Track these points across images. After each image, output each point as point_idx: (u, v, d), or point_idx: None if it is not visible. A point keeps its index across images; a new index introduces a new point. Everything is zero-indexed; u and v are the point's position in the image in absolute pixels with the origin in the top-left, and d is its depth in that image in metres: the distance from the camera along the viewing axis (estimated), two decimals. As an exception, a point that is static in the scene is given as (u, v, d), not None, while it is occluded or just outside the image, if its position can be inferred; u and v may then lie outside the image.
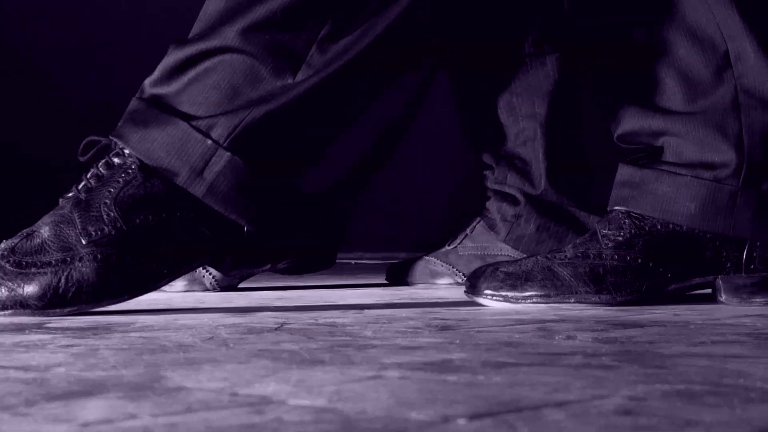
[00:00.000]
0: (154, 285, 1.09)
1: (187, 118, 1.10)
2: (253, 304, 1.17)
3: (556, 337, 0.82)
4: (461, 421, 0.47)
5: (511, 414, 0.49)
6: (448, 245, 1.76)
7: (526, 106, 1.65)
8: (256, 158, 1.10)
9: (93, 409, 0.51)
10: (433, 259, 1.75)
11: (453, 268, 1.72)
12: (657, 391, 0.55)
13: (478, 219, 1.73)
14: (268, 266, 1.13)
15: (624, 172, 1.24)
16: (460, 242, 1.74)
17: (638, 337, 0.82)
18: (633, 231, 1.20)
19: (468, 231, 1.74)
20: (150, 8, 2.80)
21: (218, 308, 1.11)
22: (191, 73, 1.12)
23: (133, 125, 1.11)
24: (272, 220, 1.12)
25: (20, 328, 0.92)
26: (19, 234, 1.07)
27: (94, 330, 0.90)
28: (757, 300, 1.17)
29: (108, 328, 0.91)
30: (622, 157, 1.26)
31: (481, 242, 1.71)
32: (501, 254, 1.67)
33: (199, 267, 1.13)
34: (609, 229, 1.20)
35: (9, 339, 0.83)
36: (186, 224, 1.09)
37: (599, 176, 1.64)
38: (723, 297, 1.18)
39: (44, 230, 1.07)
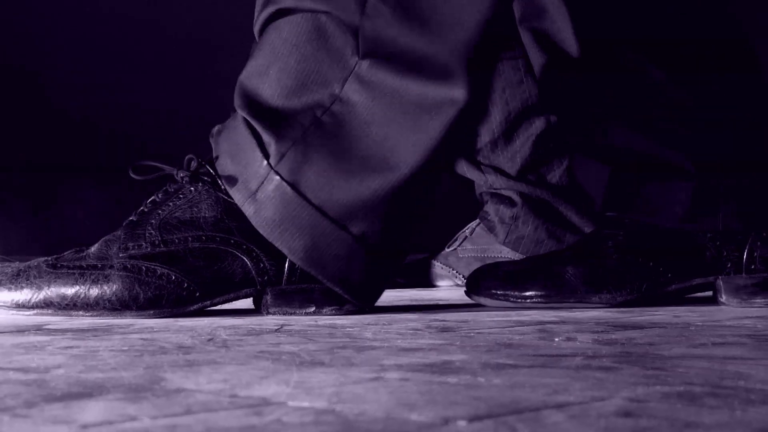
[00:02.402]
0: (184, 307, 1.07)
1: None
2: (252, 305, 1.17)
3: (556, 339, 0.82)
4: (461, 423, 0.47)
5: (511, 416, 0.49)
6: (448, 247, 1.76)
7: (499, 111, 1.65)
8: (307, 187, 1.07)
9: (93, 410, 0.51)
10: (432, 261, 1.75)
11: (453, 270, 1.72)
12: (657, 393, 0.55)
13: (478, 221, 1.73)
14: (312, 309, 1.08)
15: (615, 176, 1.25)
16: (460, 244, 1.74)
17: (638, 338, 0.82)
18: (632, 230, 1.20)
19: (468, 233, 1.74)
20: (145, 11, 2.79)
21: (218, 310, 1.11)
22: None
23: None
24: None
25: (20, 330, 0.92)
26: (73, 249, 1.10)
27: (93, 332, 0.90)
28: (758, 301, 1.17)
29: (107, 330, 0.91)
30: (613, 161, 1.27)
31: (480, 244, 1.71)
32: (501, 256, 1.67)
33: (237, 299, 1.10)
34: (609, 229, 1.20)
35: (9, 340, 0.83)
36: (228, 250, 1.08)
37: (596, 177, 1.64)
38: (723, 298, 1.18)
39: (93, 246, 1.09)
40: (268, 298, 1.08)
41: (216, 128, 1.14)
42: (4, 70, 2.71)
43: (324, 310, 1.08)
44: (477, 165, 1.68)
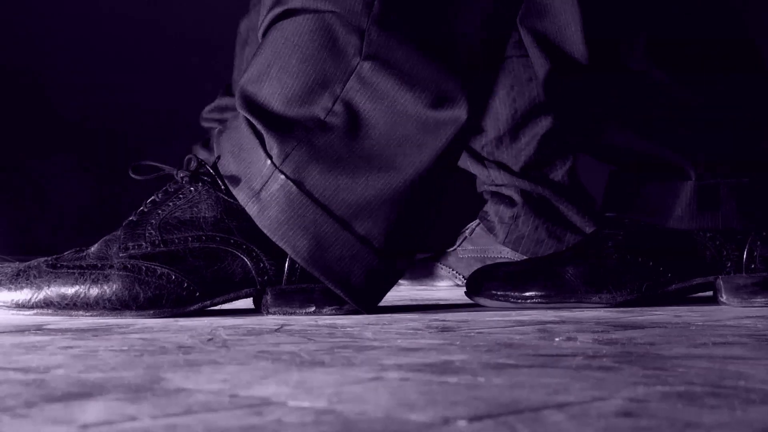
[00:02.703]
0: (184, 307, 1.07)
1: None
2: (252, 305, 1.17)
3: (557, 339, 0.82)
4: (461, 423, 0.47)
5: (511, 415, 0.49)
6: (448, 248, 1.76)
7: (506, 108, 1.65)
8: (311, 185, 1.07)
9: (92, 410, 0.51)
10: (432, 261, 1.75)
11: (453, 270, 1.72)
12: (657, 393, 0.55)
13: (477, 221, 1.73)
14: (312, 308, 1.07)
15: (615, 177, 1.25)
16: (460, 245, 1.74)
17: (639, 338, 0.82)
18: (632, 230, 1.20)
19: (467, 234, 1.74)
20: (145, 11, 2.80)
21: (218, 310, 1.11)
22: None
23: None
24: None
25: (20, 330, 0.92)
26: (73, 248, 1.09)
27: (93, 331, 0.90)
28: (758, 300, 1.17)
29: (107, 330, 0.91)
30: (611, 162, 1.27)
31: (481, 245, 1.71)
32: (501, 257, 1.67)
33: (237, 299, 1.10)
34: (609, 229, 1.21)
35: (8, 340, 0.83)
36: (227, 250, 1.07)
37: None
38: (724, 297, 1.18)
39: (93, 246, 1.09)
40: (268, 298, 1.08)
41: (217, 128, 1.14)
42: (4, 70, 2.71)
43: (324, 310, 1.08)
44: (480, 160, 1.69)
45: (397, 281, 1.13)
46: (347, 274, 1.07)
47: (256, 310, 1.11)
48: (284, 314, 1.08)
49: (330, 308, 1.08)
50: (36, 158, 2.70)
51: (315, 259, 1.07)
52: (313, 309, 1.08)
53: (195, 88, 2.56)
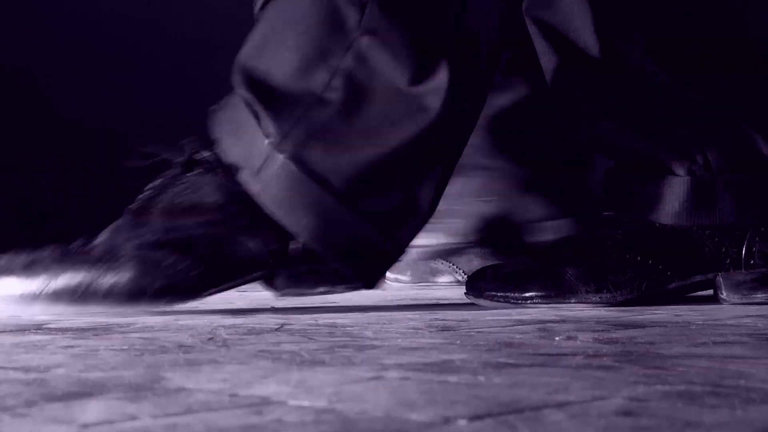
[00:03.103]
0: (196, 294, 1.07)
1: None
2: (253, 304, 1.17)
3: (557, 338, 0.82)
4: (462, 422, 0.47)
5: (511, 415, 0.49)
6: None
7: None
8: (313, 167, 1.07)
9: (93, 410, 0.51)
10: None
11: (453, 266, 1.72)
12: (657, 392, 0.55)
13: (478, 218, 1.73)
14: (322, 288, 1.08)
15: (613, 177, 1.25)
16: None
17: (639, 337, 0.82)
18: (631, 230, 1.20)
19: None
20: (145, 11, 2.80)
21: (218, 309, 1.11)
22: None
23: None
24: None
25: (20, 329, 0.92)
26: (78, 240, 1.09)
27: (93, 331, 0.90)
28: (758, 296, 1.17)
29: (108, 329, 0.91)
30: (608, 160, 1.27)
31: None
32: (501, 253, 1.67)
33: (247, 283, 1.09)
34: (608, 229, 1.21)
35: (9, 340, 0.83)
36: (233, 235, 1.07)
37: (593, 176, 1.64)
38: (724, 294, 1.18)
39: (100, 236, 1.08)
40: (278, 279, 1.08)
41: (211, 108, 1.13)
42: (4, 70, 2.71)
43: (336, 288, 1.08)
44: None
45: (398, 257, 1.13)
46: (349, 250, 1.07)
47: (267, 293, 1.10)
48: (295, 295, 1.07)
49: (340, 286, 1.08)
50: (36, 158, 2.70)
51: (318, 237, 1.06)
52: (323, 288, 1.08)
53: (195, 88, 2.56)
